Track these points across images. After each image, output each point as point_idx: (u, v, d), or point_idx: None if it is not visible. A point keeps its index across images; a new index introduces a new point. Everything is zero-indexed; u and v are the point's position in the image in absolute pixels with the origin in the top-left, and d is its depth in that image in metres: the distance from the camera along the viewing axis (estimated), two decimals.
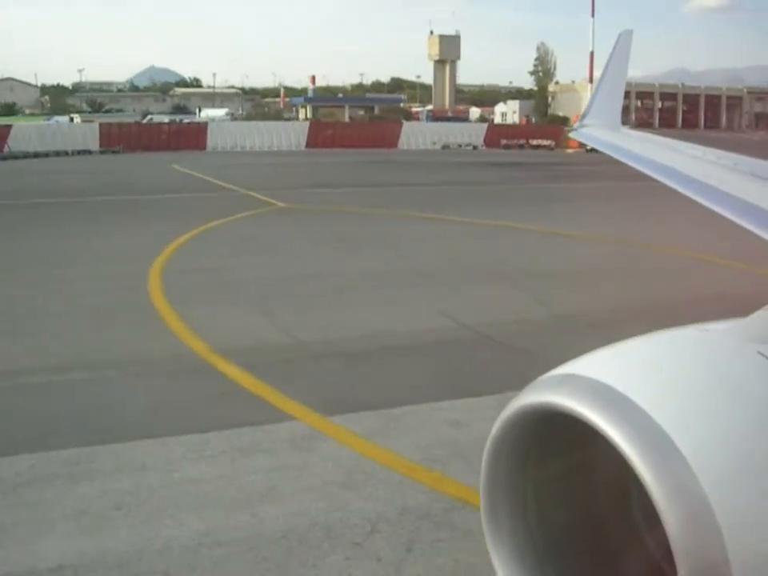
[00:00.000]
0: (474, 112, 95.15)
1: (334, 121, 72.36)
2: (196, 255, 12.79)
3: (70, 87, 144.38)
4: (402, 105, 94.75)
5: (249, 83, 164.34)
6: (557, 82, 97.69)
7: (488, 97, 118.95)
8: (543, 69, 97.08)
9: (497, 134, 60.95)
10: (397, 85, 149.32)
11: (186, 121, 70.46)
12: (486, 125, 68.49)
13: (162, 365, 7.02)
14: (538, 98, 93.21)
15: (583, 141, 6.52)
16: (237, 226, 16.32)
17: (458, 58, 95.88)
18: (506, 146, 57.91)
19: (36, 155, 46.38)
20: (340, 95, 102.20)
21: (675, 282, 10.59)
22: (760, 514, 1.28)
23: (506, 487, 1.55)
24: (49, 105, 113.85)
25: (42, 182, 28.00)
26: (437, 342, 7.76)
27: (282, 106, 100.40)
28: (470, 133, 61.35)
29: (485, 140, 59.44)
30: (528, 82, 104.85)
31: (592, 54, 60.06)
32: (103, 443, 5.19)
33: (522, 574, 1.55)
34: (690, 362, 1.49)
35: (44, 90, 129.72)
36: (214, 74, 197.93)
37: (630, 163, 4.82)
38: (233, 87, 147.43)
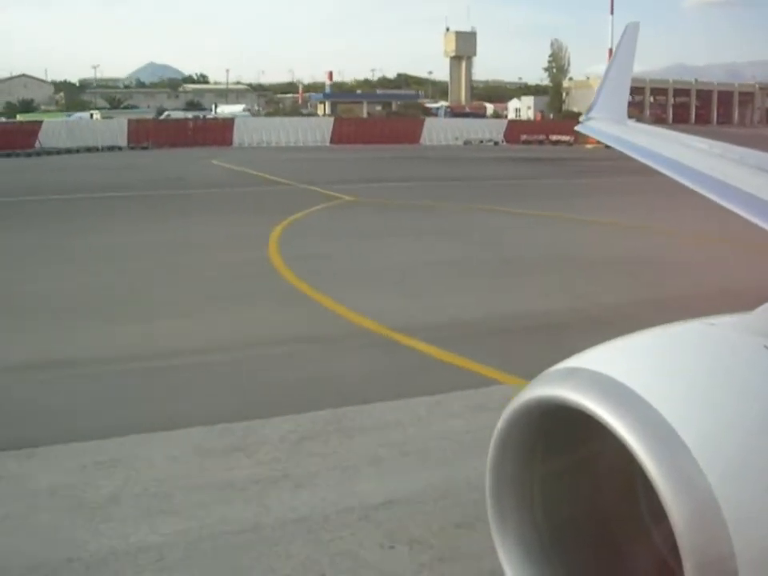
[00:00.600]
0: (488, 108, 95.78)
1: (358, 117, 73.06)
2: (304, 243, 13.38)
3: (77, 84, 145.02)
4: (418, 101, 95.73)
5: (249, 79, 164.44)
6: (570, 78, 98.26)
7: (494, 93, 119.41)
8: (557, 65, 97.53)
9: (516, 130, 61.53)
10: (403, 81, 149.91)
11: (210, 116, 71.13)
12: (505, 121, 69.07)
13: (347, 341, 7.58)
14: (552, 94, 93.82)
15: (588, 134, 6.53)
16: (321, 217, 16.87)
17: (474, 54, 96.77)
18: (526, 142, 58.47)
19: (68, 151, 47.05)
20: (358, 92, 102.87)
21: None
22: (766, 508, 1.29)
23: (512, 480, 1.56)
24: (63, 101, 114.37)
25: (100, 176, 28.67)
26: (588, 320, 8.24)
27: (300, 102, 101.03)
28: (490, 129, 61.90)
29: (505, 136, 60.02)
30: (534, 78, 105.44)
31: (611, 50, 60.22)
32: (349, 404, 5.79)
33: (527, 566, 1.56)
34: (696, 355, 1.50)
35: (57, 86, 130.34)
36: (227, 71, 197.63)
37: (636, 156, 4.86)
38: (239, 83, 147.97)
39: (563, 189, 24.77)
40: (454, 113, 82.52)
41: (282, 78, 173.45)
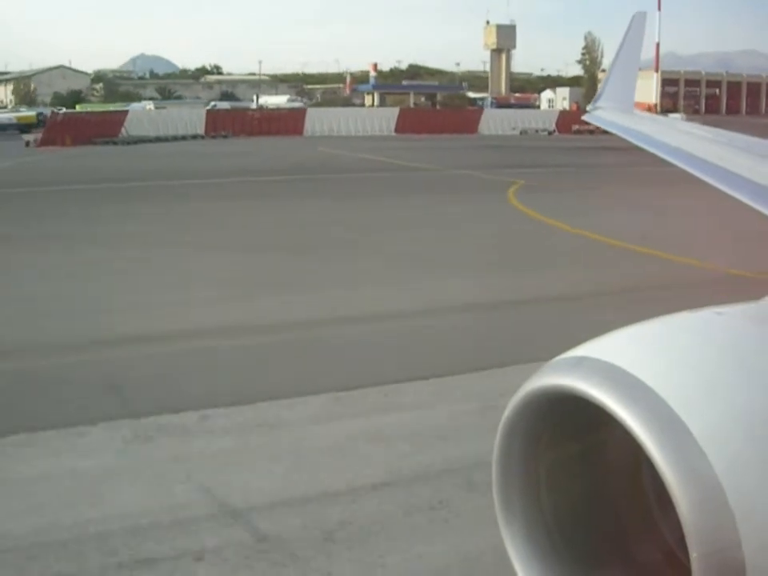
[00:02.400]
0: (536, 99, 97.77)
1: (421, 108, 75.17)
2: (562, 212, 15.61)
3: (91, 74, 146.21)
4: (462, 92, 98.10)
5: (245, 69, 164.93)
6: (603, 70, 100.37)
7: (516, 84, 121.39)
8: (590, 57, 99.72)
9: (568, 120, 63.44)
10: (415, 71, 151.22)
11: (273, 107, 73.26)
12: (556, 111, 71.13)
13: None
14: (587, 85, 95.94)
15: (596, 123, 6.50)
16: (534, 198, 18.54)
17: (514, 46, 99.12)
18: (578, 132, 60.42)
19: (158, 139, 48.50)
20: (404, 82, 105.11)
21: None
22: None
23: (519, 468, 1.56)
24: (101, 92, 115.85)
25: (241, 162, 30.75)
26: None
27: (347, 92, 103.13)
28: (543, 119, 63.79)
29: (557, 125, 62.04)
30: (553, 70, 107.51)
31: (658, 45, 62.13)
32: None
33: (533, 553, 1.57)
34: (704, 345, 1.48)
35: (94, 77, 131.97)
36: (260, 62, 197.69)
37: (643, 146, 4.83)
38: (252, 74, 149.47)
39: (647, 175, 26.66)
40: (500, 104, 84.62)
41: (280, 68, 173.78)
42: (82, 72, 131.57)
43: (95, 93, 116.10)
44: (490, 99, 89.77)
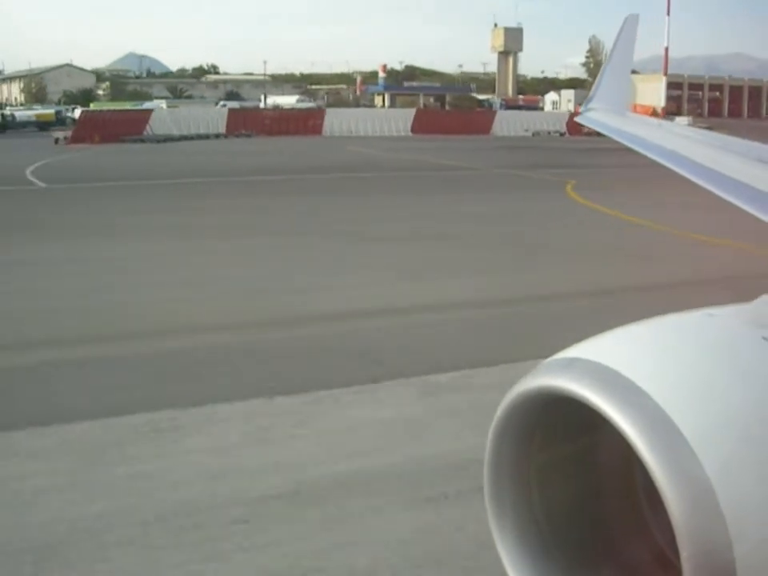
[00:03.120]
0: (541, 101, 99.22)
1: (436, 109, 76.45)
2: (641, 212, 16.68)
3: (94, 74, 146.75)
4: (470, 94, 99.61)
5: (237, 69, 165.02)
6: None
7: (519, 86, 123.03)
8: (594, 60, 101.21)
9: (577, 122, 64.71)
10: (411, 72, 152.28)
11: (288, 107, 74.35)
12: (567, 113, 72.37)
13: None
14: (592, 88, 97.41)
15: (588, 125, 6.52)
16: (599, 196, 19.50)
17: (521, 49, 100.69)
18: (588, 134, 61.64)
19: (183, 137, 49.41)
20: (414, 84, 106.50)
21: None
22: (764, 499, 1.29)
23: (510, 470, 1.57)
24: (108, 91, 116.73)
25: (278, 160, 31.95)
26: None
27: (358, 93, 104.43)
28: (554, 121, 64.91)
29: (567, 127, 63.32)
30: (551, 72, 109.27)
31: (666, 49, 63.45)
32: None
33: (525, 555, 1.57)
34: (695, 347, 1.48)
35: (99, 76, 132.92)
36: (265, 62, 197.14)
37: (636, 148, 4.84)
38: (249, 74, 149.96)
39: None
40: (509, 105, 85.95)
41: (274, 69, 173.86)
42: (86, 70, 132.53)
43: (102, 91, 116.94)
44: (499, 101, 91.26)
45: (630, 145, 4.96)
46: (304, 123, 57.27)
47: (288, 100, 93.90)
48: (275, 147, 41.14)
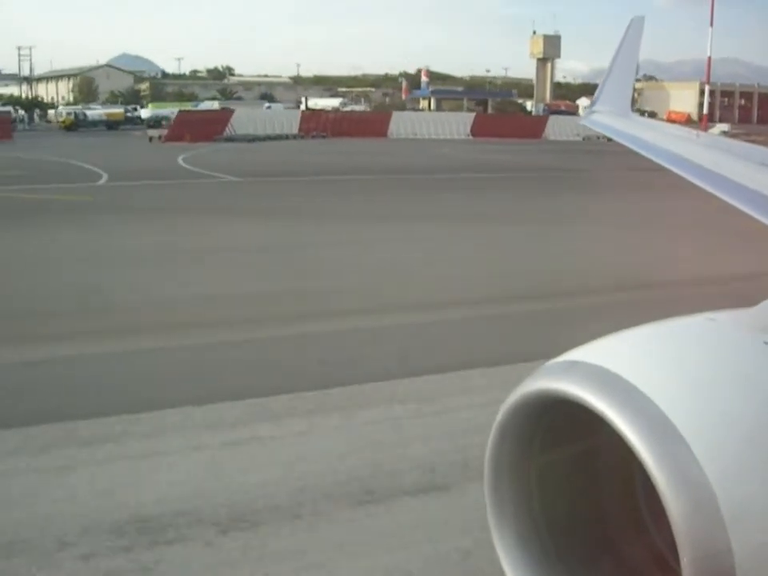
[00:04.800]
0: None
1: (493, 114, 79.66)
2: None
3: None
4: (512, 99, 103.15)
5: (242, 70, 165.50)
6: (638, 79, 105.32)
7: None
8: None
9: None
10: (404, 76, 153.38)
11: (347, 109, 77.48)
12: None
13: None
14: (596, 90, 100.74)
15: (593, 127, 6.54)
16: None
17: (558, 56, 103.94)
18: None
19: (267, 137, 52.17)
20: (459, 89, 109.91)
21: None
22: (764, 504, 1.29)
23: (511, 472, 1.58)
24: (149, 92, 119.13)
25: (395, 161, 34.86)
26: None
27: (404, 97, 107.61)
28: None
29: None
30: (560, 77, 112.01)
31: (709, 58, 66.20)
32: None
33: (525, 558, 1.58)
34: (697, 351, 1.50)
35: (137, 78, 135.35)
36: (298, 65, 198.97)
37: (640, 151, 4.82)
38: (267, 76, 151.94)
39: None
40: (551, 110, 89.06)
41: (270, 70, 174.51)
42: (125, 71, 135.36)
43: (142, 92, 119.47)
44: (542, 106, 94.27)
45: (634, 147, 4.96)
46: (371, 125, 60.12)
47: (330, 102, 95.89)
48: (363, 149, 43.71)
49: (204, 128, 51.48)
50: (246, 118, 57.63)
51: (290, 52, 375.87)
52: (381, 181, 26.40)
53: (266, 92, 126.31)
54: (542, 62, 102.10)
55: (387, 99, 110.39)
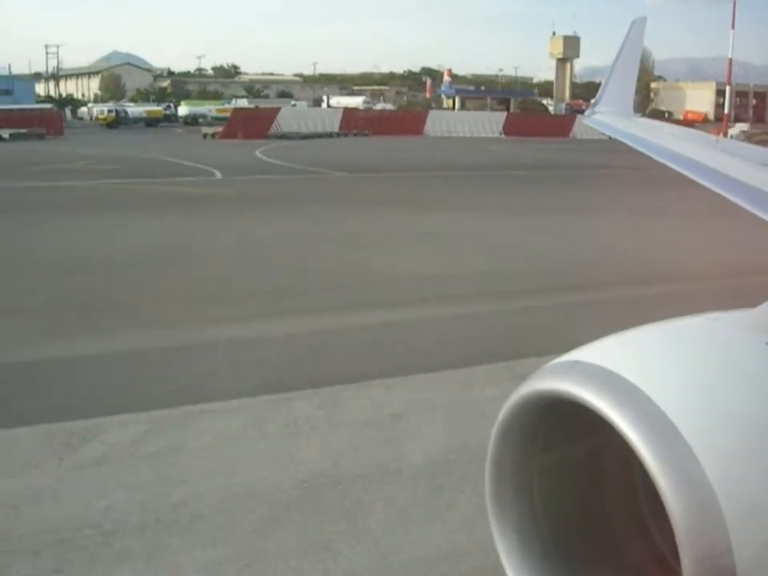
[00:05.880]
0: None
1: (523, 113, 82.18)
2: None
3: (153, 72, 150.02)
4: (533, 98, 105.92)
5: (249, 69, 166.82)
6: (654, 79, 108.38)
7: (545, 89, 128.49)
8: (641, 67, 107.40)
9: None
10: (427, 74, 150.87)
11: (378, 107, 79.87)
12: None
13: None
14: (641, 94, 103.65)
15: (595, 127, 6.58)
16: None
17: (578, 56, 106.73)
18: None
19: (315, 135, 54.14)
20: (482, 88, 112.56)
21: None
22: (763, 503, 1.30)
23: (512, 472, 1.59)
24: (171, 90, 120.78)
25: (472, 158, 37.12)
26: None
27: (429, 96, 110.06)
28: None
29: None
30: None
31: (730, 60, 68.42)
32: None
33: (525, 558, 1.59)
34: (698, 351, 1.51)
35: (156, 75, 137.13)
36: (315, 64, 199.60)
37: (644, 151, 4.88)
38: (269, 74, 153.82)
39: None
40: (573, 109, 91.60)
41: (254, 68, 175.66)
42: (143, 68, 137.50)
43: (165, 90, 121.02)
44: (564, 105, 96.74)
45: (636, 147, 5.04)
46: (407, 123, 62.20)
47: (352, 101, 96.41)
48: (413, 146, 45.65)
49: (254, 126, 53.71)
50: (290, 116, 59.83)
51: (290, 51, 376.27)
52: (472, 177, 28.40)
53: (284, 90, 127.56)
54: (562, 61, 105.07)
55: (405, 98, 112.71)
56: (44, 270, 11.96)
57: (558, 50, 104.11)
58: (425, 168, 31.56)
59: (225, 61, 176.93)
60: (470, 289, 11.01)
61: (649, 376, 1.41)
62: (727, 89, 70.10)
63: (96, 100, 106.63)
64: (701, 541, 1.27)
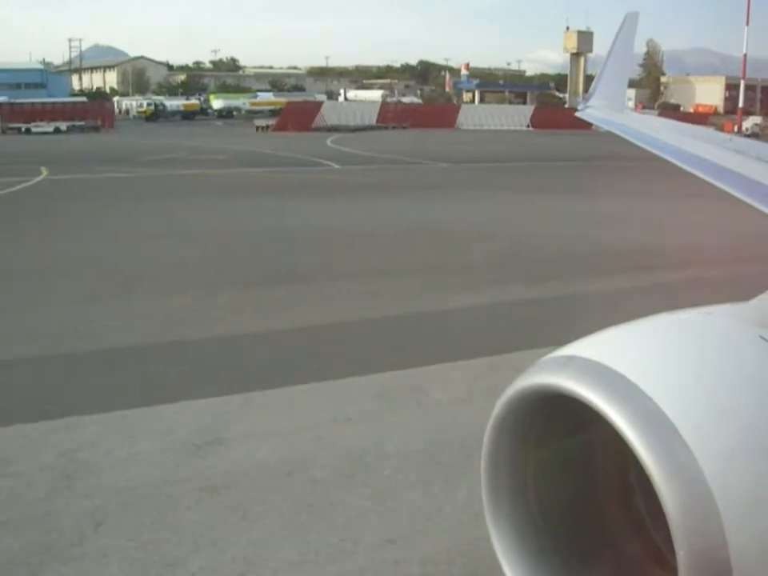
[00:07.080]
0: None
1: (549, 106, 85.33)
2: None
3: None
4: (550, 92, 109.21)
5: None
6: (662, 74, 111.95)
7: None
8: (651, 61, 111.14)
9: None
10: (425, 68, 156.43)
11: (406, 101, 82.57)
12: (655, 112, 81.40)
13: None
14: (652, 87, 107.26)
15: (589, 120, 6.60)
16: None
17: (591, 51, 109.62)
18: None
19: (357, 128, 57.17)
20: (501, 82, 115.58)
21: None
22: (758, 497, 1.31)
23: (508, 466, 1.60)
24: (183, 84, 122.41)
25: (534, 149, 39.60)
26: None
27: (448, 89, 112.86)
28: None
29: None
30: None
31: (745, 56, 71.37)
32: None
33: (521, 551, 1.60)
34: (692, 345, 1.51)
35: (171, 69, 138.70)
36: (327, 57, 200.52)
37: (639, 143, 4.98)
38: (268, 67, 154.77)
39: None
40: None
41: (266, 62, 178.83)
42: (157, 62, 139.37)
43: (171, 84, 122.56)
44: (579, 99, 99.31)
45: (631, 140, 5.17)
46: (440, 116, 65.35)
47: (372, 94, 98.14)
48: (459, 138, 48.62)
49: (301, 118, 56.85)
50: (332, 110, 63.02)
51: (289, 44, 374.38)
52: (572, 168, 30.01)
53: (297, 83, 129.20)
54: (575, 56, 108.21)
55: (418, 92, 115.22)
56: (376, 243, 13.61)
57: (572, 44, 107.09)
58: (513, 159, 33.26)
59: (223, 55, 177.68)
60: (713, 257, 12.44)
61: (643, 370, 1.42)
62: (741, 83, 72.91)
63: (112, 94, 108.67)
64: (696, 534, 1.28)
